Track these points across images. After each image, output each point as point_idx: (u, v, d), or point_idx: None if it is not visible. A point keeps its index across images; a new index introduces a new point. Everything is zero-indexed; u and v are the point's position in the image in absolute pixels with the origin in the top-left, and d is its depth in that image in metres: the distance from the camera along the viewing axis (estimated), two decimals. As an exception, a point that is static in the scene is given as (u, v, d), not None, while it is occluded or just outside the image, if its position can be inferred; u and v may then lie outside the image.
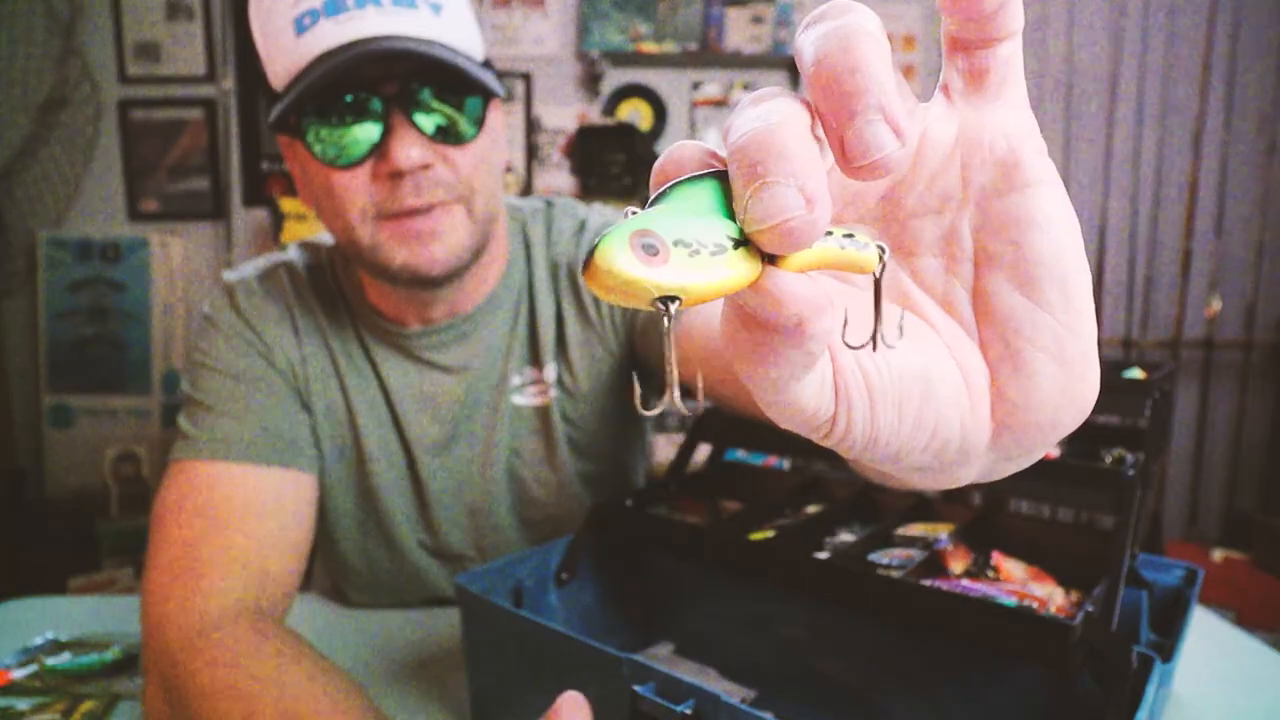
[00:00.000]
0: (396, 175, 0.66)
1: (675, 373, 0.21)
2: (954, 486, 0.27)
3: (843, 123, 0.19)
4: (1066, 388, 0.23)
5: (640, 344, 0.81)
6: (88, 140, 2.57)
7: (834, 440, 0.23)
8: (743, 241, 0.20)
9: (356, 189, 0.67)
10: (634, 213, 0.20)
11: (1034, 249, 0.22)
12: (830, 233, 0.21)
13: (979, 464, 0.25)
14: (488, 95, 0.69)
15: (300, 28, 0.64)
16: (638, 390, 0.24)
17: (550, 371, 0.83)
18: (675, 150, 0.22)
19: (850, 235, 0.21)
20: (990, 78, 0.23)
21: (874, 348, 0.22)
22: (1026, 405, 0.23)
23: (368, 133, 0.65)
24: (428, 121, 0.66)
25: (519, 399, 0.83)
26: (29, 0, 2.47)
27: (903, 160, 0.19)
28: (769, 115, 0.20)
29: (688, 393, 0.71)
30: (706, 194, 0.21)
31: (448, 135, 0.67)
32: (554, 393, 0.83)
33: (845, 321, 0.22)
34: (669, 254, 0.19)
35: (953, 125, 0.23)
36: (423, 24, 0.65)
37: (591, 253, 0.19)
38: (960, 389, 0.24)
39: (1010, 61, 0.23)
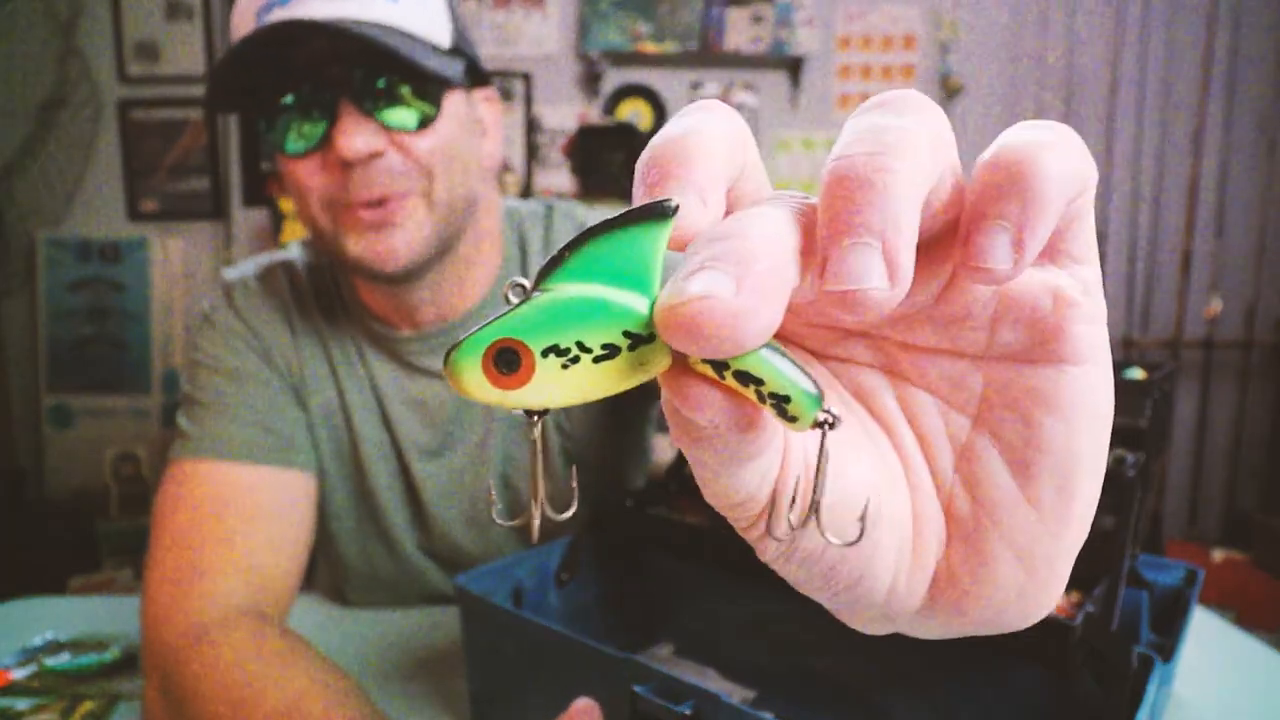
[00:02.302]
0: (346, 164, 0.65)
1: (541, 486, 0.19)
2: (853, 627, 0.23)
3: (833, 237, 0.16)
4: (1024, 591, 0.20)
5: None
6: (88, 140, 2.56)
7: (751, 538, 0.20)
8: (646, 338, 0.17)
9: (311, 177, 0.67)
10: (520, 288, 0.17)
11: (1044, 437, 0.19)
12: (780, 351, 0.16)
13: (896, 625, 0.22)
14: (441, 81, 0.67)
15: (259, 22, 0.64)
16: (495, 503, 0.21)
17: None
18: (681, 138, 0.18)
19: (800, 369, 0.16)
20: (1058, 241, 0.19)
21: (819, 530, 0.18)
22: (973, 594, 0.20)
23: (317, 121, 0.65)
24: (377, 109, 0.65)
25: None
26: (29, 0, 2.47)
27: (887, 305, 0.16)
28: (890, 144, 0.16)
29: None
30: (646, 243, 0.17)
31: (400, 121, 0.66)
32: (549, 402, 0.82)
33: (793, 500, 0.19)
34: (534, 368, 0.17)
35: None
36: (375, 8, 0.63)
37: (446, 359, 0.17)
38: (906, 543, 0.20)
39: (1082, 217, 0.19)
